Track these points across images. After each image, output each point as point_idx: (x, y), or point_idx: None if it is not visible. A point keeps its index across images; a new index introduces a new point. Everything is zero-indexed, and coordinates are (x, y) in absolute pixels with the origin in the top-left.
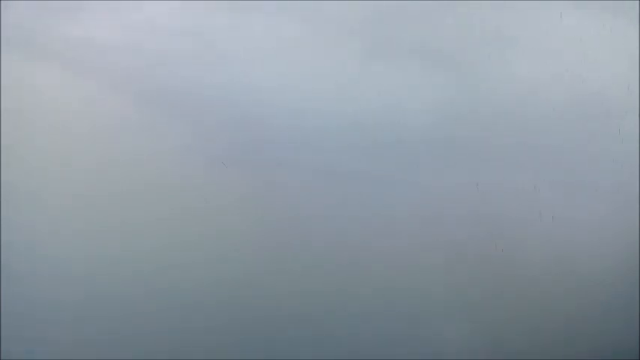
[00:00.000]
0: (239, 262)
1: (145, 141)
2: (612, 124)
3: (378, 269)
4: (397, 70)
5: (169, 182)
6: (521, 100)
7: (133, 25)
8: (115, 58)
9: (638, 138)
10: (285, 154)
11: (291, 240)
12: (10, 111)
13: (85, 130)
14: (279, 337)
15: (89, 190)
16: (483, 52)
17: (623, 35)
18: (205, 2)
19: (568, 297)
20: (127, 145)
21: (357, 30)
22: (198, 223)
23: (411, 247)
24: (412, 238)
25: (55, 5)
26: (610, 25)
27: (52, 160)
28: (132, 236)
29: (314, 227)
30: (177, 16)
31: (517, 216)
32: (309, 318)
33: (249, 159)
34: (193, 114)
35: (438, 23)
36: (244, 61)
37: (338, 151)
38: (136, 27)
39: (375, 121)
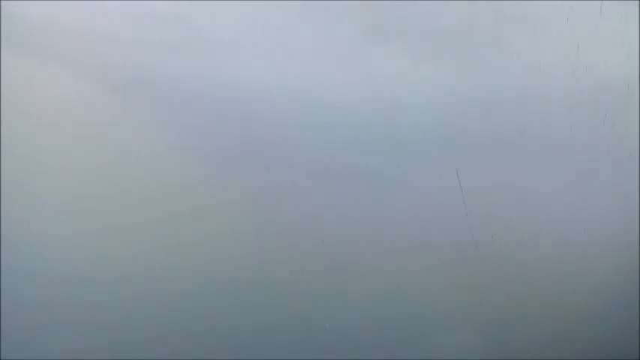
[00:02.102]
0: (239, 263)
1: (138, 138)
2: (614, 120)
3: (379, 270)
4: (398, 58)
5: (167, 182)
6: (530, 93)
7: (113, 13)
8: (94, 47)
9: (638, 135)
10: (278, 151)
11: (289, 241)
12: None
13: (69, 128)
14: (277, 338)
15: (85, 191)
16: (493, 37)
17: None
18: None
19: (568, 297)
20: (119, 143)
21: (353, 13)
22: (198, 224)
23: (413, 248)
24: (414, 239)
25: None
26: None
27: (44, 159)
28: (133, 237)
29: (312, 228)
30: (161, 3)
31: (517, 215)
32: (310, 319)
33: (239, 157)
34: (180, 108)
35: (443, 4)
36: (232, 52)
37: (335, 147)
38: (116, 14)
39: (372, 113)
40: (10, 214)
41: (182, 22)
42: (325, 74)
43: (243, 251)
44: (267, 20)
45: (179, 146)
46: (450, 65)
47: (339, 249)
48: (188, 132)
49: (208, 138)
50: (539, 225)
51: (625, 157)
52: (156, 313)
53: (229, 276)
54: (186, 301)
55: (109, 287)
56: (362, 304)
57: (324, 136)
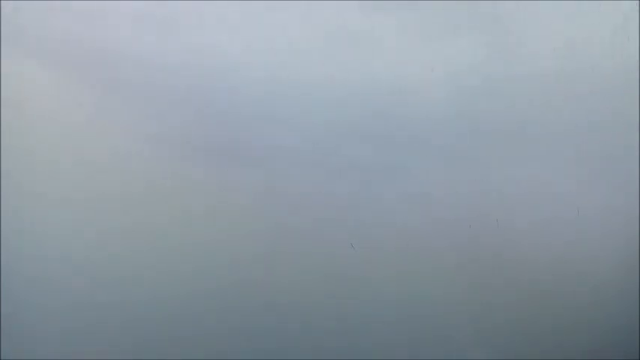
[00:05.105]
0: (240, 263)
1: (136, 136)
2: (615, 119)
3: (381, 271)
4: (405, 31)
5: (165, 182)
6: (529, 93)
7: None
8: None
9: (638, 135)
10: (277, 141)
11: (290, 241)
12: None
13: (68, 127)
14: (279, 339)
15: (85, 190)
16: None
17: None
18: None
19: (568, 297)
20: (118, 142)
21: None
22: (196, 224)
23: (417, 246)
24: (418, 239)
25: None
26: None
27: (44, 158)
28: (132, 238)
29: (312, 227)
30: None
31: (518, 216)
32: (312, 321)
33: (237, 153)
34: (173, 102)
35: None
36: (220, 26)
37: (331, 138)
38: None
39: (375, 96)
40: (10, 215)
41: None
42: (319, 47)
43: (244, 252)
44: None
45: (178, 143)
46: (474, 33)
47: (341, 248)
48: (183, 127)
49: (204, 133)
50: (540, 225)
51: (625, 156)
52: (155, 314)
53: (230, 276)
54: (186, 302)
55: (109, 288)
56: (366, 303)
57: (315, 119)
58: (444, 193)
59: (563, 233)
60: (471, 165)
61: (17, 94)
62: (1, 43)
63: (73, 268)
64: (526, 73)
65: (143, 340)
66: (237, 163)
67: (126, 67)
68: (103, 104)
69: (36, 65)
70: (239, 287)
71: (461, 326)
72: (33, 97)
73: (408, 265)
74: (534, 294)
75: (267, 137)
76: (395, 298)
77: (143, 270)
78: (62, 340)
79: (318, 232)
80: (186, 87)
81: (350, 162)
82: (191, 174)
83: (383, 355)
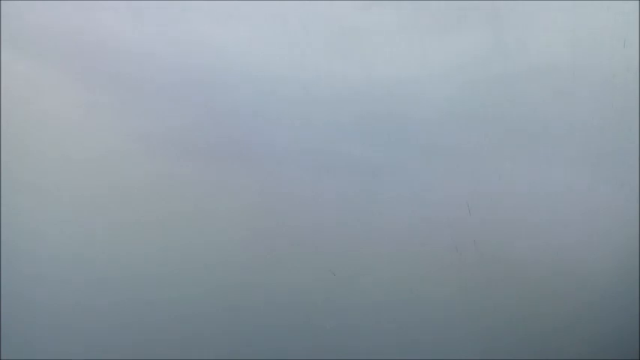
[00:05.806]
0: (238, 263)
1: (133, 135)
2: (615, 119)
3: (381, 272)
4: (406, 27)
5: (161, 180)
6: (528, 92)
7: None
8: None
9: (638, 134)
10: (275, 140)
11: (287, 242)
12: None
13: (70, 128)
14: (278, 340)
15: (84, 187)
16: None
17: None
18: None
19: (568, 297)
20: (115, 140)
21: None
22: (191, 225)
23: (416, 249)
24: (417, 240)
25: None
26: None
27: (44, 158)
28: (133, 237)
29: (311, 227)
30: None
31: (517, 216)
32: (311, 321)
33: (230, 150)
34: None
35: None
36: (216, 21)
37: (328, 134)
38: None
39: (375, 94)
40: (10, 214)
41: None
42: (312, 39)
43: (242, 252)
44: None
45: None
46: (480, 26)
47: (340, 248)
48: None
49: (201, 132)
50: (540, 225)
51: (625, 156)
52: (156, 314)
53: (228, 276)
54: (186, 302)
55: (110, 288)
56: (362, 306)
57: (310, 115)
58: (444, 194)
59: (563, 233)
60: (470, 164)
61: (16, 93)
62: (1, 43)
63: (73, 268)
64: (526, 73)
65: (143, 340)
66: (233, 162)
67: (123, 63)
68: (99, 102)
69: (34, 64)
70: (237, 288)
71: (460, 326)
72: (31, 97)
73: (408, 265)
74: (533, 294)
75: (265, 136)
76: (395, 299)
77: (143, 270)
78: (62, 340)
79: (317, 232)
80: (182, 85)
81: (349, 161)
82: (188, 173)
83: (383, 355)
